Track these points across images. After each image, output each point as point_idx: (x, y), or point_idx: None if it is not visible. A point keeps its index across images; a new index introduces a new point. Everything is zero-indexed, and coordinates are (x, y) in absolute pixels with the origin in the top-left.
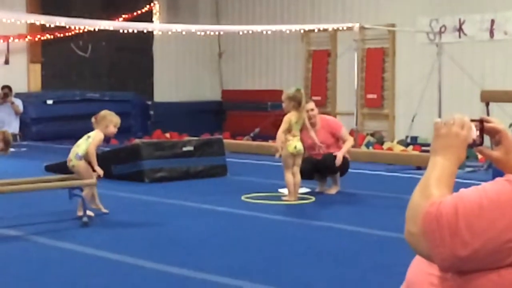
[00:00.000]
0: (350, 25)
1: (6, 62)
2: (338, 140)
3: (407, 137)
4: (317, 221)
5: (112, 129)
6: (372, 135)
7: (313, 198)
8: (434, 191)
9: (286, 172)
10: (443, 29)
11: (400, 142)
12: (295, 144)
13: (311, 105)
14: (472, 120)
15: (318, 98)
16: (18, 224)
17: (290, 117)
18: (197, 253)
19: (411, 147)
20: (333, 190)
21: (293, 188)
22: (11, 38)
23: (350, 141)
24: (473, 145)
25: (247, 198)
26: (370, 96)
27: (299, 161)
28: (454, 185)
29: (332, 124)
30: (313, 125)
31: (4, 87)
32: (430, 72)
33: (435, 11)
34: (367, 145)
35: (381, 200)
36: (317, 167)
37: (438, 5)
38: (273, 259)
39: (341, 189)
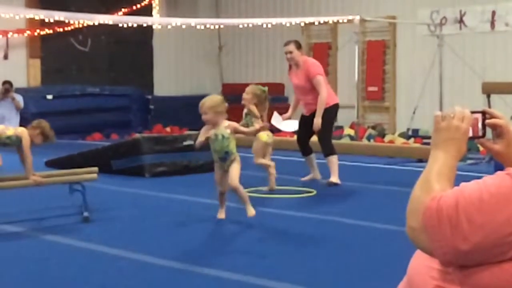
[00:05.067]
0: (350, 17)
1: (5, 57)
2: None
3: (408, 129)
4: (319, 215)
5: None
6: (373, 128)
7: (315, 192)
8: (434, 186)
9: (258, 160)
10: (444, 21)
11: (402, 135)
12: (267, 133)
13: (289, 47)
14: (474, 112)
15: None
16: (18, 220)
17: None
18: (199, 248)
19: (412, 139)
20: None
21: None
22: (10, 33)
23: (321, 99)
24: (475, 137)
25: (249, 192)
26: (371, 88)
27: (270, 150)
28: (456, 177)
29: (309, 69)
30: (296, 66)
31: (5, 82)
32: (431, 64)
33: (436, 3)
34: (368, 138)
35: (382, 193)
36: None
37: None
38: (276, 253)
39: (342, 182)
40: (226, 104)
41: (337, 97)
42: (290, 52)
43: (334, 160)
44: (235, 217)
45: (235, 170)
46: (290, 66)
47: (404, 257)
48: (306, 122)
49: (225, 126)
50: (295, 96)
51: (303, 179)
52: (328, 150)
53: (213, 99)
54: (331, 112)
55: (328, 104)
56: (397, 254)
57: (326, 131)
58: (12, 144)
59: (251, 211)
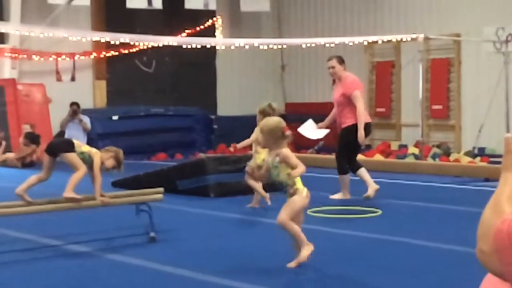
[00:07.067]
0: (414, 35)
1: (73, 79)
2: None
3: (474, 148)
4: (385, 235)
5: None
6: (438, 146)
7: (380, 211)
8: (505, 208)
9: (249, 179)
10: (509, 38)
11: (467, 153)
12: (264, 157)
13: (331, 62)
14: None
15: (383, 109)
16: (86, 240)
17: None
18: (263, 269)
19: (478, 158)
20: (337, 195)
21: (259, 187)
22: (77, 56)
23: (358, 112)
24: None
25: (314, 212)
26: (435, 107)
27: None
28: None
29: (346, 85)
30: (338, 80)
31: (72, 104)
32: (497, 81)
33: (501, 20)
34: (433, 157)
35: (449, 213)
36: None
37: (504, 13)
38: (342, 274)
39: (408, 202)
40: (283, 131)
41: (368, 117)
42: (333, 67)
43: (344, 179)
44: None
45: (293, 203)
46: (333, 81)
47: (475, 280)
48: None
49: (276, 153)
50: (334, 109)
51: (364, 196)
52: (339, 169)
53: (264, 122)
54: (353, 131)
55: (352, 123)
56: (467, 277)
57: (342, 149)
58: (83, 160)
59: (297, 260)
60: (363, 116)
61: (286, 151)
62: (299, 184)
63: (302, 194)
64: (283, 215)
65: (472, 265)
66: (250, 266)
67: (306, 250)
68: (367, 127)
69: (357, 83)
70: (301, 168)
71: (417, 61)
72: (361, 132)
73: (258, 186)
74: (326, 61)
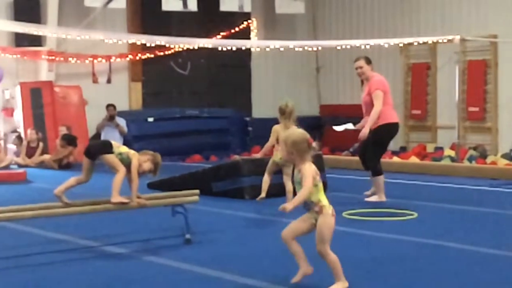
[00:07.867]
0: (450, 37)
1: (108, 81)
2: None
3: (511, 150)
4: (420, 238)
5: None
6: (474, 149)
7: (416, 214)
8: None
9: (266, 174)
10: None
11: (504, 156)
12: (282, 155)
13: (359, 63)
14: None
15: (418, 111)
16: (123, 242)
17: (277, 128)
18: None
19: None
20: (373, 198)
21: (266, 187)
22: (113, 58)
23: (373, 110)
24: None
25: (349, 214)
26: (472, 109)
27: (287, 170)
28: None
29: (371, 84)
30: (366, 81)
31: (109, 105)
32: None
33: None
34: (470, 159)
35: (486, 216)
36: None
37: None
38: (377, 277)
39: (444, 204)
40: (309, 143)
41: (396, 117)
42: (360, 67)
43: (379, 180)
44: (336, 240)
45: (322, 229)
46: (362, 82)
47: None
48: (366, 139)
49: (299, 169)
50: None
51: (366, 193)
52: (373, 170)
53: (288, 135)
54: (380, 131)
55: (377, 123)
56: (506, 280)
57: (371, 150)
58: (121, 161)
59: None
60: (374, 116)
61: (306, 168)
62: (324, 200)
63: (328, 212)
64: (322, 248)
65: (509, 268)
66: (285, 268)
67: (340, 286)
68: (393, 128)
69: (381, 83)
70: (303, 193)
71: (453, 63)
72: (365, 130)
73: (266, 184)
74: (353, 61)
